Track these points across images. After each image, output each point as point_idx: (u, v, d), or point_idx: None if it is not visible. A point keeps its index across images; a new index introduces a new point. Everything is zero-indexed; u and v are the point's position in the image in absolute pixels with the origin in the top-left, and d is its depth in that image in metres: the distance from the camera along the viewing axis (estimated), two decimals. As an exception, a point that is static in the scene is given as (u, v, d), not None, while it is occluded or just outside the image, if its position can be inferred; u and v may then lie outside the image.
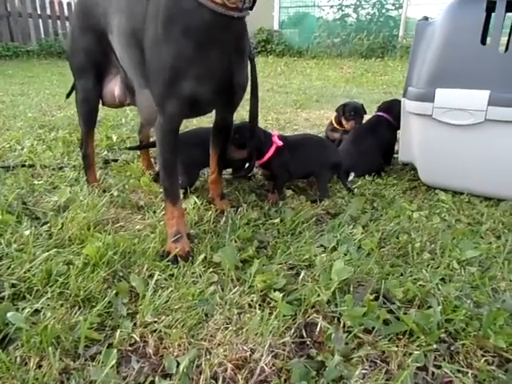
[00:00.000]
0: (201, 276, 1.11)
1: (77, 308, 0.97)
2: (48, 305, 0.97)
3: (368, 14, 8.69)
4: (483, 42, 1.59)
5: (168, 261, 1.16)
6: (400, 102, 1.95)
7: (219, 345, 0.88)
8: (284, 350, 0.88)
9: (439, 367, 0.86)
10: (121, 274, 1.11)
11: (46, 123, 2.82)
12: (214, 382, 0.81)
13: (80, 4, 1.51)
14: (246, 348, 0.87)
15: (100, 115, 1.65)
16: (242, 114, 2.98)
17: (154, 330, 0.92)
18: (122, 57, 1.39)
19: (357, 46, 8.03)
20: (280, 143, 1.63)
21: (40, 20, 8.18)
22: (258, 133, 1.54)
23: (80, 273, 1.07)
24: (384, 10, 8.56)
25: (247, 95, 1.36)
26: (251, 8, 1.09)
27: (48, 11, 8.24)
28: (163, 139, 1.22)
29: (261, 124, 1.60)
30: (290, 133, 2.68)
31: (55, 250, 1.17)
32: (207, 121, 2.70)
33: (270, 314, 0.97)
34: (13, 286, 1.03)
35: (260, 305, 1.02)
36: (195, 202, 1.51)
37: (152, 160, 2.02)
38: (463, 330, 0.94)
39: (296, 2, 9.58)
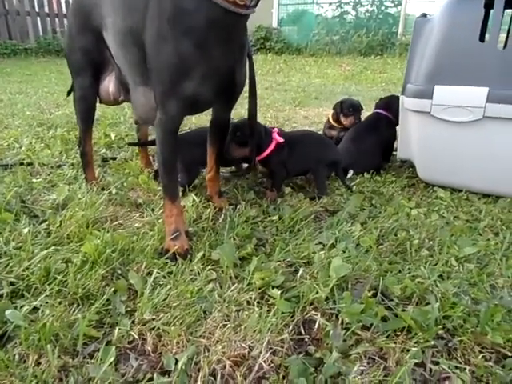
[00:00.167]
0: (199, 273, 1.11)
1: (75, 306, 0.98)
2: (46, 302, 0.97)
3: (367, 11, 8.68)
4: (482, 38, 1.59)
5: (166, 258, 1.16)
6: (398, 97, 1.95)
7: (218, 342, 0.89)
8: (282, 347, 0.88)
9: (437, 363, 0.86)
10: (119, 271, 1.11)
11: (45, 121, 2.82)
12: (212, 378, 0.81)
13: (75, 2, 1.50)
14: (244, 345, 0.87)
15: (98, 113, 1.66)
16: (240, 111, 2.98)
17: (153, 328, 0.92)
18: (116, 54, 1.38)
19: (356, 44, 8.02)
20: (280, 139, 1.62)
21: (38, 18, 8.17)
22: (258, 129, 1.54)
23: (78, 270, 1.07)
24: (383, 7, 8.55)
25: (245, 93, 1.36)
26: (255, 5, 1.10)
27: (46, 9, 8.22)
28: (164, 137, 1.22)
29: (260, 121, 1.60)
30: (289, 130, 2.68)
31: (54, 247, 1.17)
32: (206, 119, 2.70)
33: (269, 311, 0.97)
34: (11, 283, 1.03)
35: (258, 302, 1.02)
36: (194, 200, 1.51)
37: (151, 158, 2.02)
38: (461, 326, 0.95)
39: (295, -1, 9.58)
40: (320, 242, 1.29)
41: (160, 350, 0.88)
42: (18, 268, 1.07)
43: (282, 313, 0.97)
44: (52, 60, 7.35)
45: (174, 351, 0.86)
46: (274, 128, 1.69)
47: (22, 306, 0.95)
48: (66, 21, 8.23)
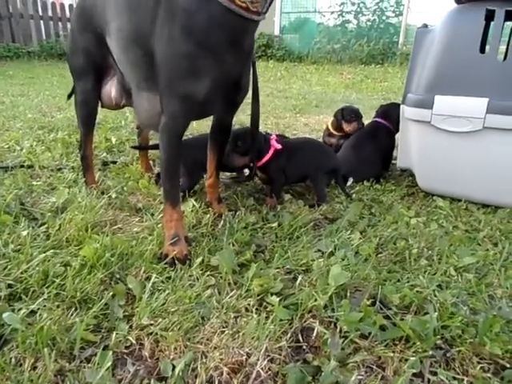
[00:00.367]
0: (198, 279, 1.11)
1: (73, 309, 0.97)
2: (44, 306, 0.97)
3: (368, 20, 8.74)
4: (482, 50, 1.60)
5: (165, 263, 1.16)
6: (397, 105, 1.97)
7: (215, 348, 0.88)
8: (280, 355, 0.88)
9: (435, 374, 0.86)
10: (118, 275, 1.11)
11: (46, 124, 2.82)
12: (209, 385, 0.81)
13: (79, 7, 1.51)
14: (242, 352, 0.87)
15: (99, 117, 1.66)
16: (240, 118, 2.99)
17: (150, 333, 0.91)
18: (119, 59, 1.39)
19: (357, 52, 8.07)
20: (278, 146, 1.63)
21: (41, 21, 8.21)
22: (258, 137, 1.55)
23: (77, 274, 1.07)
24: (384, 17, 8.61)
25: (247, 99, 1.37)
26: (266, 12, 1.11)
27: (50, 13, 8.28)
28: (168, 142, 1.22)
29: (260, 128, 1.60)
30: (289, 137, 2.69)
31: (52, 251, 1.17)
32: (207, 124, 2.71)
33: (267, 318, 0.97)
34: (9, 286, 1.03)
35: (257, 309, 1.01)
36: (193, 206, 1.51)
37: (151, 162, 2.02)
38: (459, 336, 0.94)
39: (297, 7, 9.65)
40: (319, 250, 1.29)
41: (157, 355, 0.87)
42: (16, 270, 1.07)
43: (281, 320, 0.97)
44: (54, 63, 7.38)
45: (171, 357, 0.86)
46: (271, 135, 1.70)
47: (19, 309, 0.94)
48: (69, 25, 8.28)
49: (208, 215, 1.47)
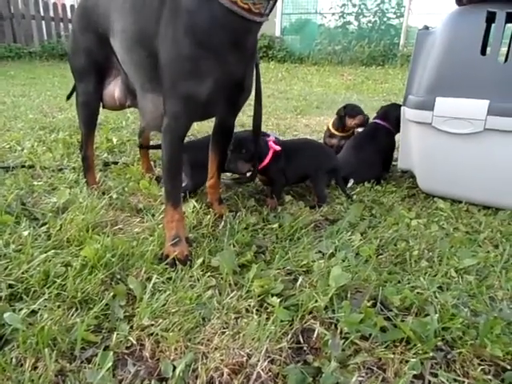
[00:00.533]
0: (199, 280, 1.11)
1: (74, 310, 0.97)
2: (45, 306, 0.97)
3: (369, 22, 8.75)
4: (483, 52, 1.61)
5: (166, 264, 1.16)
6: (397, 105, 1.99)
7: (216, 349, 0.88)
8: (281, 356, 0.88)
9: (436, 375, 0.86)
10: (119, 276, 1.11)
11: (47, 125, 2.83)
12: (209, 386, 0.81)
13: (81, 7, 1.51)
14: (242, 353, 0.87)
15: (100, 118, 1.66)
16: (242, 119, 2.99)
17: (151, 334, 0.91)
18: (124, 60, 1.39)
19: (358, 54, 8.08)
20: (277, 148, 1.63)
21: (43, 22, 8.22)
22: (259, 141, 1.55)
23: (78, 274, 1.07)
24: (385, 19, 8.62)
25: (249, 101, 1.37)
26: (269, 14, 1.12)
27: (51, 13, 8.28)
28: (170, 143, 1.22)
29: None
30: (290, 138, 2.69)
31: (53, 251, 1.17)
32: (208, 125, 2.72)
33: (267, 319, 0.97)
34: (10, 286, 1.03)
35: (257, 310, 1.01)
36: (194, 206, 1.51)
37: (152, 163, 2.03)
38: (460, 338, 0.94)
39: (298, 8, 9.65)
40: (320, 251, 1.29)
41: (158, 356, 0.87)
42: (17, 271, 1.07)
43: (281, 321, 0.97)
44: (56, 64, 7.39)
45: (171, 357, 0.86)
46: (269, 136, 1.70)
47: (20, 309, 0.94)
48: (70, 25, 8.29)
49: (209, 216, 1.47)
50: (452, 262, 1.27)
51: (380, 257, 1.30)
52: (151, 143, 2.05)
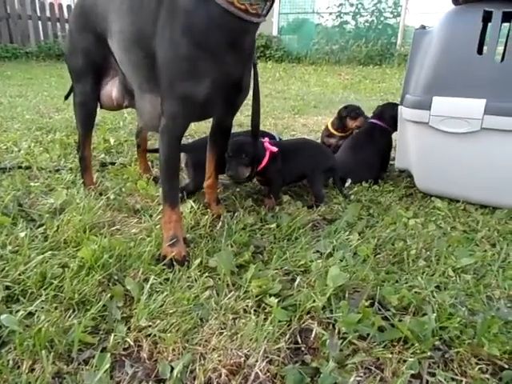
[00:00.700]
0: (196, 280, 1.11)
1: (71, 311, 0.97)
2: (42, 308, 0.96)
3: (366, 21, 8.76)
4: (480, 51, 1.61)
5: (164, 265, 1.16)
6: (392, 104, 2.01)
7: (214, 350, 0.88)
8: (279, 356, 0.88)
9: (433, 375, 0.86)
10: (116, 277, 1.11)
11: (44, 125, 2.82)
12: (207, 387, 0.80)
13: (78, 6, 1.51)
14: (240, 353, 0.87)
15: (98, 118, 1.66)
16: (240, 118, 2.99)
17: (149, 335, 0.91)
18: (121, 60, 1.38)
19: (355, 53, 8.09)
20: (273, 149, 1.62)
21: (39, 22, 8.21)
22: (258, 144, 1.55)
23: (75, 276, 1.07)
24: (382, 18, 8.63)
25: (247, 100, 1.37)
26: (266, 14, 1.12)
27: (48, 13, 8.28)
28: (168, 143, 1.22)
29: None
30: (287, 138, 2.69)
31: (50, 252, 1.17)
32: (206, 126, 2.71)
33: (265, 319, 0.97)
34: (7, 288, 1.03)
35: (255, 310, 1.01)
36: (192, 207, 1.51)
37: (149, 164, 2.02)
38: (458, 337, 0.94)
39: (295, 8, 9.66)
40: (317, 251, 1.29)
41: (156, 357, 0.87)
42: (13, 272, 1.07)
43: (279, 321, 0.96)
44: (52, 64, 7.37)
45: (169, 358, 0.86)
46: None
47: (17, 311, 0.94)
48: (67, 25, 8.26)
49: (206, 216, 1.47)
50: (449, 261, 1.27)
51: (378, 256, 1.30)
52: (149, 144, 2.04)
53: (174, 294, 1.03)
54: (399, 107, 1.83)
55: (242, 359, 0.86)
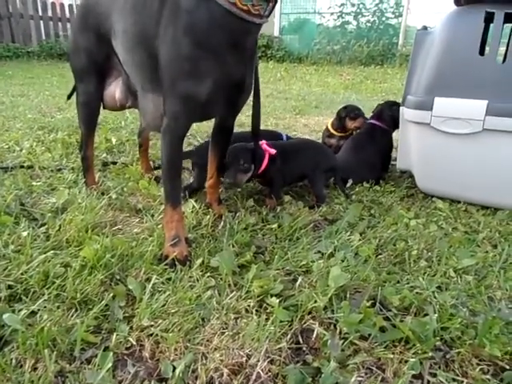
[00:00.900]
0: (198, 280, 1.11)
1: (73, 310, 0.97)
2: (45, 307, 0.97)
3: (368, 21, 8.74)
4: (481, 52, 1.61)
5: (165, 264, 1.16)
6: (391, 103, 2.03)
7: (215, 349, 0.88)
8: (280, 356, 0.88)
9: (434, 375, 0.86)
10: (118, 277, 1.11)
11: (46, 125, 2.82)
12: (209, 387, 0.81)
13: (82, 6, 1.51)
14: (242, 353, 0.87)
15: (100, 118, 1.66)
16: (241, 119, 2.99)
17: (151, 334, 0.92)
18: (125, 60, 1.39)
19: (356, 53, 8.07)
20: (272, 151, 1.62)
21: (41, 21, 8.20)
22: (257, 148, 1.55)
23: (77, 275, 1.07)
24: (384, 18, 8.61)
25: (248, 100, 1.37)
26: (269, 15, 1.12)
27: (49, 13, 8.27)
28: (170, 143, 1.23)
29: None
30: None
31: (53, 251, 1.17)
32: (208, 126, 2.72)
33: (267, 319, 0.97)
34: (9, 287, 1.03)
35: (257, 310, 1.02)
36: (193, 207, 1.51)
37: (151, 163, 2.03)
38: (459, 338, 0.95)
39: (297, 8, 9.66)
40: (319, 251, 1.29)
41: (158, 356, 0.87)
42: (16, 271, 1.07)
43: (281, 321, 0.97)
44: (54, 64, 7.38)
45: (171, 358, 0.86)
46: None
47: (19, 310, 0.94)
48: (68, 25, 8.27)
49: (208, 216, 1.47)
50: (451, 261, 1.27)
51: (379, 257, 1.30)
52: (151, 144, 2.05)
53: (175, 294, 1.03)
54: (401, 108, 1.83)
55: (244, 359, 0.86)
